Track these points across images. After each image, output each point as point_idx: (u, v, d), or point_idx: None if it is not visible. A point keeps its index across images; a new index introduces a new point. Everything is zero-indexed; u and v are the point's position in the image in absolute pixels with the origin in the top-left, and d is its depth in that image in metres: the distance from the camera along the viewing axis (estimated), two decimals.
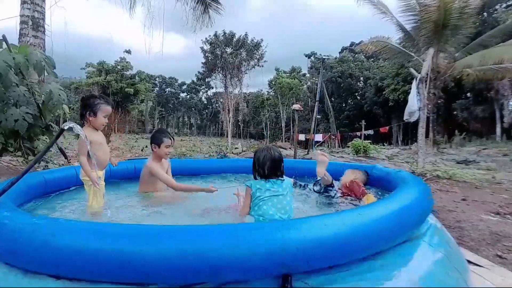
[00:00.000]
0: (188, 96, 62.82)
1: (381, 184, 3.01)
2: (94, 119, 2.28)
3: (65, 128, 1.88)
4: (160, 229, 1.20)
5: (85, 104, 2.31)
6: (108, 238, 1.15)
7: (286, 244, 1.16)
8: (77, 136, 2.07)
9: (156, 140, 2.76)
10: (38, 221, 1.27)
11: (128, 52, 28.38)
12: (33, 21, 5.55)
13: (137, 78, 28.88)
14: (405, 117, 6.43)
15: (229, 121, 24.37)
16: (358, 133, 17.08)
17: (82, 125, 2.25)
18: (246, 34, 24.68)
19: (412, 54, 12.94)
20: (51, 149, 4.91)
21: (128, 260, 1.09)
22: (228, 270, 1.10)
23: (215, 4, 10.12)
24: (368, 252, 1.35)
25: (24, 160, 4.39)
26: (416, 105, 6.08)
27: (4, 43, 3.93)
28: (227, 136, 24.44)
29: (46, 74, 5.02)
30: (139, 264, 1.08)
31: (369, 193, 2.68)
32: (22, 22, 5.55)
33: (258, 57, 25.11)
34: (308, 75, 43.90)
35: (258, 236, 1.17)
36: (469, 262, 1.97)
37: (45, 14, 5.79)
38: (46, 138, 4.79)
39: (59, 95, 4.18)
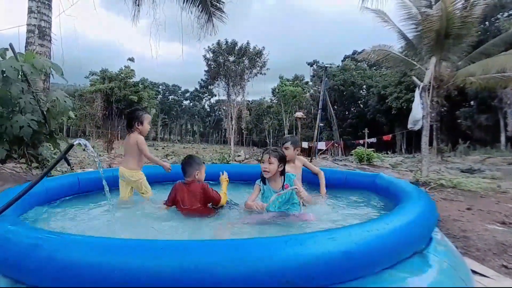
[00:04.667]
0: (191, 104, 63.21)
1: (385, 194, 2.96)
2: (142, 127, 2.91)
3: (74, 143, 1.92)
4: (162, 244, 1.19)
5: (132, 117, 2.93)
6: (111, 252, 1.15)
7: (290, 260, 1.13)
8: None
9: None
10: (41, 235, 1.27)
11: (132, 60, 28.68)
12: (40, 30, 5.65)
13: (140, 85, 29.09)
14: (409, 125, 6.41)
15: (232, 129, 24.46)
16: (361, 141, 17.03)
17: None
18: (248, 42, 24.92)
19: (415, 62, 12.99)
20: (54, 156, 4.94)
21: (130, 275, 1.08)
22: (229, 286, 1.08)
23: (219, 13, 10.24)
24: (377, 267, 1.32)
25: (27, 167, 4.41)
26: (420, 113, 6.06)
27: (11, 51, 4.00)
28: (230, 144, 24.48)
29: (51, 81, 5.09)
30: (142, 279, 1.07)
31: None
32: (28, 31, 5.64)
33: (260, 64, 25.29)
34: (310, 83, 44.08)
35: (261, 252, 1.15)
36: (475, 272, 1.94)
37: (51, 23, 5.89)
38: (49, 145, 4.83)
39: (65, 101, 4.23)
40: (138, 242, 1.23)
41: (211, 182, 3.36)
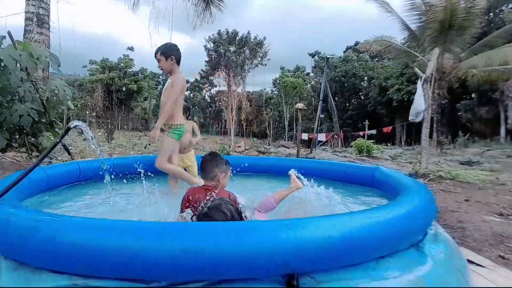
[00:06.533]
0: (191, 94, 62.83)
1: (383, 187, 2.97)
2: None
3: (71, 126, 1.90)
4: (163, 226, 1.20)
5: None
6: (112, 234, 1.16)
7: (291, 244, 1.15)
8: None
9: None
10: (42, 218, 1.28)
11: (131, 49, 28.38)
12: (38, 18, 5.57)
13: (140, 75, 28.85)
14: (411, 117, 6.39)
15: (232, 120, 24.39)
16: (361, 133, 17.01)
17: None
18: (248, 33, 24.61)
19: (417, 54, 12.86)
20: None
21: (131, 257, 1.09)
22: (230, 268, 1.10)
23: (217, 1, 10.09)
24: (376, 254, 1.34)
25: (28, 156, 4.42)
26: (423, 105, 6.05)
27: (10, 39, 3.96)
28: (230, 135, 24.47)
29: (50, 70, 5.04)
30: (142, 260, 1.08)
31: None
32: (27, 19, 5.57)
33: (261, 55, 25.03)
34: (312, 74, 43.78)
35: (262, 235, 1.16)
36: (472, 262, 1.96)
37: (50, 11, 5.81)
38: (49, 135, 4.82)
39: (64, 91, 4.20)
40: (140, 224, 1.25)
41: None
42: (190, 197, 1.93)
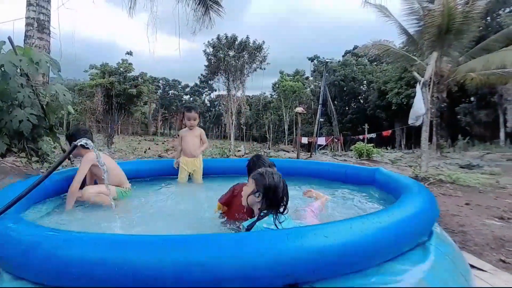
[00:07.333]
0: (191, 99, 62.96)
1: (385, 189, 2.98)
2: (183, 121, 3.67)
3: (78, 144, 1.92)
4: (163, 239, 1.19)
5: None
6: (112, 248, 1.16)
7: (291, 254, 1.14)
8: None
9: None
10: (42, 233, 1.28)
11: (130, 53, 28.50)
12: (39, 23, 5.60)
13: (140, 79, 28.93)
14: (410, 121, 6.39)
15: (232, 124, 24.45)
16: (361, 137, 17.01)
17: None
18: (247, 37, 24.76)
19: (415, 58, 12.93)
20: (54, 150, 4.95)
21: (131, 269, 1.09)
22: (230, 280, 1.09)
23: (216, 6, 10.15)
24: (376, 260, 1.33)
25: (27, 161, 4.41)
26: (423, 108, 6.04)
27: (9, 44, 3.97)
28: (230, 139, 24.50)
29: (50, 75, 5.06)
30: (142, 273, 1.08)
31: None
32: (27, 24, 5.59)
33: (260, 59, 25.17)
34: (311, 78, 43.94)
35: (262, 245, 1.15)
36: (473, 266, 1.95)
37: (50, 16, 5.84)
38: (49, 139, 4.82)
39: (64, 95, 4.21)
40: (138, 238, 1.24)
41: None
42: (235, 191, 2.11)
